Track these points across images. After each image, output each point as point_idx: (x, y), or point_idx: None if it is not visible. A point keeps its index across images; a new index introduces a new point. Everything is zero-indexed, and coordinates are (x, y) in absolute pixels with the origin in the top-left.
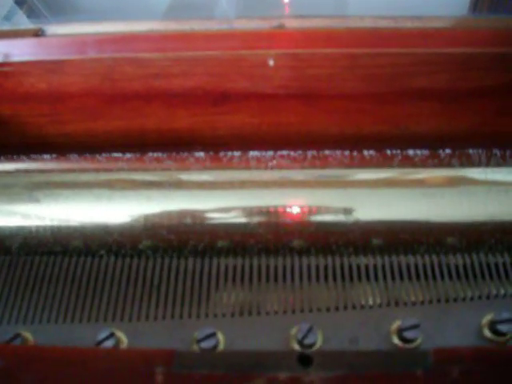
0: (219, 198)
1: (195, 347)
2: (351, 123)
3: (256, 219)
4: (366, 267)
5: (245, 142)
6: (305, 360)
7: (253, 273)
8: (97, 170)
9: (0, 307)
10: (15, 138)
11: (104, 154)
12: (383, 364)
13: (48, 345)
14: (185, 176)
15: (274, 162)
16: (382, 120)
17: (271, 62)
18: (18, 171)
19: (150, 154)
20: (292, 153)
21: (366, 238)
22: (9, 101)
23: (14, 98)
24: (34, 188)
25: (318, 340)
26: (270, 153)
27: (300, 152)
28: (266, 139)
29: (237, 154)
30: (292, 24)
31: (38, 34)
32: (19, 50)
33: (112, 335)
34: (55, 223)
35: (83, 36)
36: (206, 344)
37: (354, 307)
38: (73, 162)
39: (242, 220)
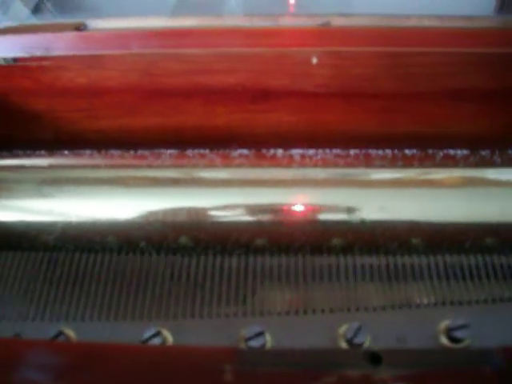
0: (261, 196)
1: (243, 345)
2: (389, 122)
3: (298, 217)
4: (412, 266)
5: (282, 140)
6: (374, 358)
7: (298, 271)
8: (133, 167)
9: (41, 304)
10: (48, 134)
11: (140, 151)
12: (452, 361)
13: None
14: (225, 173)
15: (312, 159)
16: (420, 119)
17: (314, 60)
18: (51, 166)
19: (188, 151)
20: (328, 151)
21: (407, 237)
22: (45, 95)
23: (51, 93)
24: (68, 184)
25: (367, 339)
26: (310, 151)
27: (339, 150)
28: (303, 138)
29: (275, 152)
30: (337, 22)
31: (79, 28)
32: (59, 44)
33: (158, 333)
34: (90, 219)
35: (125, 31)
36: (254, 342)
37: (400, 306)
38: (107, 158)
39: (284, 218)
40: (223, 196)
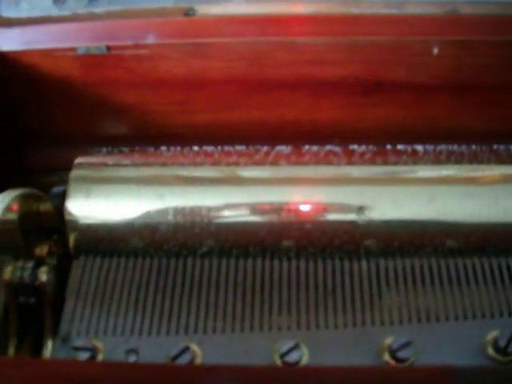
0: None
1: (387, 358)
2: (500, 117)
3: None
4: None
5: (386, 135)
6: None
7: (433, 275)
8: (228, 164)
9: (156, 316)
10: (136, 128)
11: (238, 147)
12: None
13: (217, 358)
14: (324, 170)
15: (419, 156)
16: None
17: (435, 51)
18: (134, 165)
19: (283, 148)
20: (431, 147)
21: None
22: (137, 87)
23: (144, 85)
24: (160, 183)
25: None
26: (416, 147)
27: (443, 146)
28: (408, 132)
29: (375, 148)
30: (466, 10)
31: (188, 13)
32: (162, 32)
33: (297, 346)
34: (189, 220)
35: (237, 16)
36: (402, 354)
37: None
38: (200, 155)
39: None
40: (328, 195)
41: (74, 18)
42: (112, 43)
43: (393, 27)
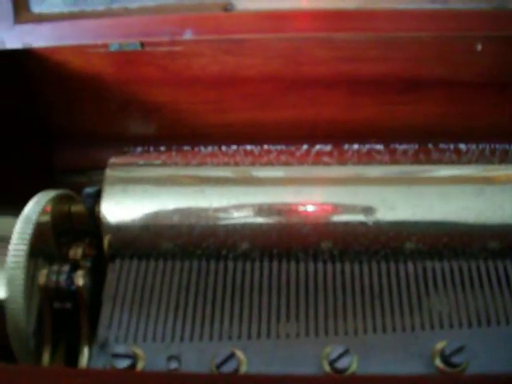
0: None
1: (439, 363)
2: None
3: None
4: None
5: (422, 134)
6: None
7: (482, 277)
8: (262, 164)
9: (197, 321)
10: (166, 128)
11: (274, 146)
12: None
13: (263, 364)
14: (361, 170)
15: (461, 154)
16: None
17: (479, 47)
18: (163, 164)
19: (318, 147)
20: (473, 145)
21: None
22: (170, 85)
23: (177, 83)
24: (199, 183)
25: None
26: (451, 145)
27: (484, 145)
28: (447, 131)
29: (409, 147)
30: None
31: (226, 8)
32: (199, 27)
33: (347, 352)
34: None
35: (276, 12)
36: (455, 359)
37: None
38: (233, 155)
39: None
40: (357, 195)
41: (106, 14)
42: (146, 39)
43: (436, 23)
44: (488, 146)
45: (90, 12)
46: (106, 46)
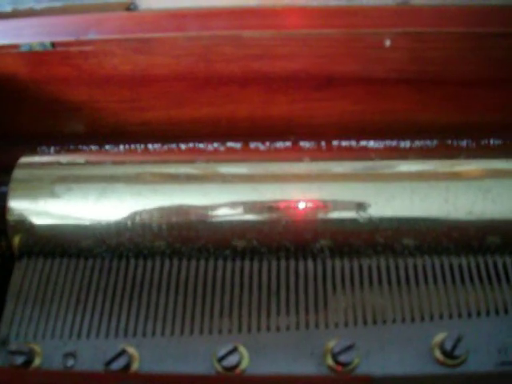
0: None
1: (330, 361)
2: (463, 111)
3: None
4: (505, 267)
5: (343, 131)
6: None
7: (381, 275)
8: (180, 162)
9: (95, 319)
10: (86, 127)
11: (188, 145)
12: None
13: (155, 361)
14: (281, 167)
15: (376, 153)
16: (494, 107)
17: (388, 43)
18: (87, 163)
19: (240, 145)
20: (396, 143)
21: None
22: (85, 84)
23: (91, 82)
24: (113, 182)
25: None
26: (371, 143)
27: (406, 142)
28: (366, 128)
29: (334, 143)
30: (417, 0)
31: (129, 7)
32: (105, 27)
33: (235, 350)
34: (142, 221)
35: (180, 10)
36: (343, 358)
37: (497, 313)
38: (152, 153)
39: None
40: (280, 193)
41: (14, 15)
42: (55, 39)
43: (342, 19)
44: (410, 143)
45: None
46: (16, 46)
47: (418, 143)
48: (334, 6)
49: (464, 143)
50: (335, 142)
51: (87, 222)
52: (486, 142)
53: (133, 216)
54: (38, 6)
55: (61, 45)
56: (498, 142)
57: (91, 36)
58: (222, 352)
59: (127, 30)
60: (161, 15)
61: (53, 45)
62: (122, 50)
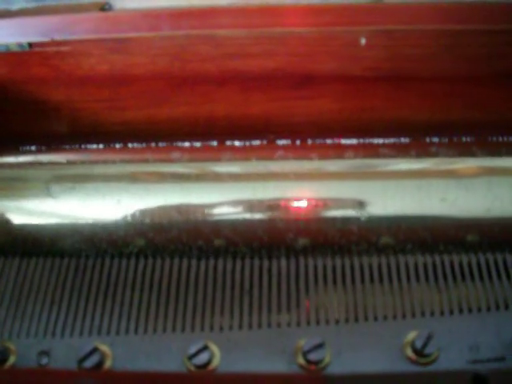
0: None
1: (301, 360)
2: (441, 108)
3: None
4: (478, 265)
5: (321, 129)
6: (480, 381)
7: (355, 273)
8: (159, 161)
9: (70, 317)
10: (66, 127)
11: (167, 144)
12: None
13: (128, 359)
14: (260, 166)
15: (355, 151)
16: (473, 104)
17: (363, 41)
18: (69, 163)
19: (219, 143)
20: (375, 140)
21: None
22: (63, 85)
23: (70, 82)
24: (90, 181)
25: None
26: (351, 141)
27: (386, 140)
28: (345, 127)
29: (313, 142)
30: None
31: (103, 8)
32: (81, 27)
33: (206, 348)
34: (116, 220)
35: (154, 11)
36: (313, 356)
37: (470, 311)
38: (132, 152)
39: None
40: (259, 192)
41: None
42: (32, 40)
43: (315, 17)
44: (388, 141)
45: None
46: None
47: (395, 140)
48: (308, 4)
49: (441, 140)
50: (313, 141)
51: (63, 221)
52: (464, 139)
53: (107, 215)
54: (13, 7)
55: (38, 45)
56: (472, 139)
57: (66, 36)
58: (193, 350)
59: (103, 30)
60: (135, 15)
61: (30, 45)
62: (99, 50)
